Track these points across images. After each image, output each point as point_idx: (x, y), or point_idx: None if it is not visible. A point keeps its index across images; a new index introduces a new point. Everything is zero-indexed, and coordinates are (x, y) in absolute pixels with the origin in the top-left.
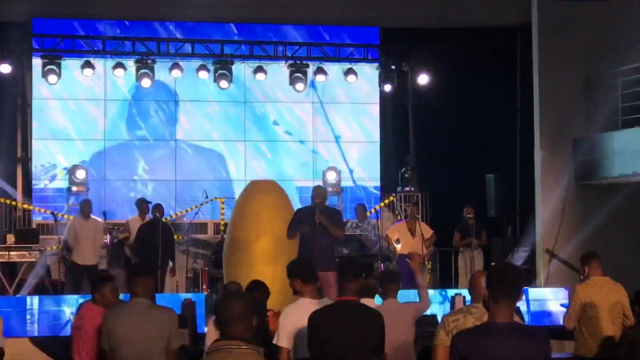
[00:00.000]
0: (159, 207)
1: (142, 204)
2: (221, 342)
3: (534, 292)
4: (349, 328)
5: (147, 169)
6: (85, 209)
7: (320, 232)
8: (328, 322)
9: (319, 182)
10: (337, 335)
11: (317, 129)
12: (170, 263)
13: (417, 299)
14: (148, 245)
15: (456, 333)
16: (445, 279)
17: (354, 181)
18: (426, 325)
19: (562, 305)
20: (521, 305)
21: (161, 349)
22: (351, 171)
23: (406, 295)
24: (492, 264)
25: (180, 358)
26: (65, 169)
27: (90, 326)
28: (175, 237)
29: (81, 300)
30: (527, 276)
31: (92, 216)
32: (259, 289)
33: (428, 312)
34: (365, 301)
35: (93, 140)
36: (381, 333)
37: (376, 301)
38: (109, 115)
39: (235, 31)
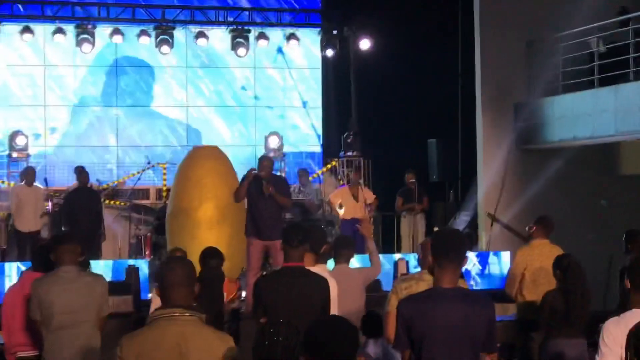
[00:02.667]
0: (82, 172)
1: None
2: (164, 310)
3: (475, 256)
4: (293, 294)
5: (89, 134)
6: (29, 176)
7: (268, 201)
8: (272, 288)
9: (261, 148)
10: (281, 301)
11: (260, 94)
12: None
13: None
14: (77, 212)
15: (401, 299)
16: (387, 243)
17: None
18: (369, 291)
19: None
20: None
21: (93, 315)
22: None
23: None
24: (435, 229)
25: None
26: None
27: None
28: (117, 202)
29: (23, 268)
30: (470, 240)
31: (35, 183)
32: (214, 255)
33: None
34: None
35: (34, 106)
36: (326, 299)
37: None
38: (51, 81)
39: None
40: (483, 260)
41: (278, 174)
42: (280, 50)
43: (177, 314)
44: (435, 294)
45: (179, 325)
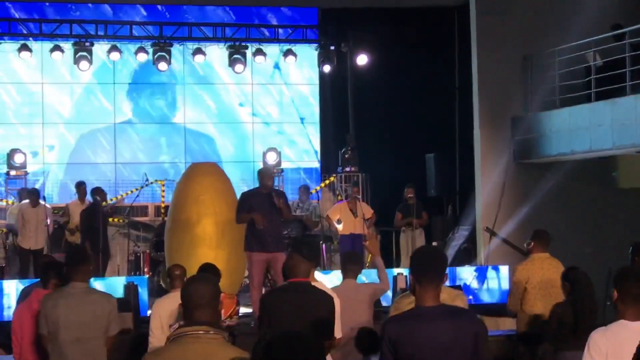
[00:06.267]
0: (100, 191)
1: (80, 188)
2: (188, 327)
3: (473, 271)
4: (300, 310)
5: (87, 152)
6: (32, 198)
7: (273, 214)
8: (279, 303)
9: (259, 164)
10: (288, 317)
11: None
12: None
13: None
14: (91, 230)
15: (386, 319)
16: (385, 258)
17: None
18: None
19: None
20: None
21: (100, 333)
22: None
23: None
24: (434, 243)
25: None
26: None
27: None
28: (115, 220)
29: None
30: (468, 255)
31: (40, 202)
32: (210, 272)
33: None
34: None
35: (32, 124)
36: (331, 314)
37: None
38: (49, 99)
39: (167, 15)
40: (481, 274)
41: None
42: (277, 66)
43: (201, 332)
44: (418, 313)
45: (202, 343)
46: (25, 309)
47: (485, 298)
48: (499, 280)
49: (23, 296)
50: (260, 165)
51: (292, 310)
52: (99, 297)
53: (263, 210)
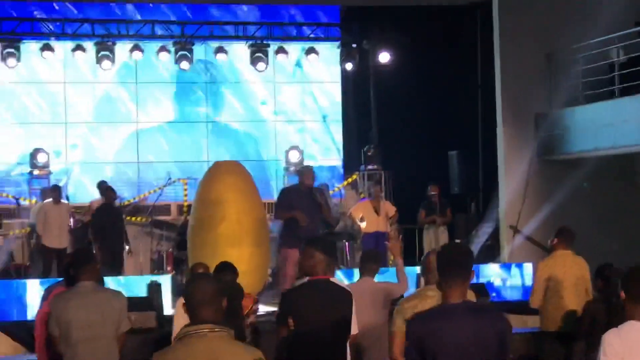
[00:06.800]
0: (110, 190)
1: (102, 187)
2: (192, 326)
3: (497, 268)
4: (321, 307)
5: (110, 151)
6: (55, 194)
7: (312, 211)
8: (303, 301)
9: (282, 163)
10: (312, 313)
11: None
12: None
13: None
14: (106, 229)
15: (410, 318)
16: (408, 256)
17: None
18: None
19: None
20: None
21: (111, 331)
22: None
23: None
24: (457, 241)
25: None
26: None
27: None
28: (138, 219)
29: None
30: (491, 252)
31: (62, 200)
32: (228, 270)
33: None
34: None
35: (55, 123)
36: (350, 311)
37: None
38: (70, 98)
39: (189, 14)
40: (505, 272)
41: None
42: (299, 64)
43: (206, 330)
44: (443, 310)
45: (208, 341)
46: (46, 308)
47: (509, 295)
48: (522, 277)
49: (47, 295)
50: (282, 164)
51: (314, 308)
52: (109, 295)
53: (303, 208)
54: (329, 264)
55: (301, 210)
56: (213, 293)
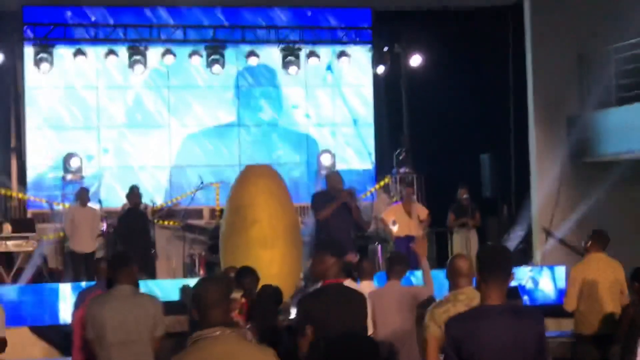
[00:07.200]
0: (135, 194)
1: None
2: (205, 330)
3: (529, 271)
4: (340, 310)
5: (142, 155)
6: (83, 196)
7: (344, 215)
8: (321, 306)
9: (313, 166)
10: (331, 318)
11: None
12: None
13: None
14: (131, 233)
15: (448, 320)
16: (441, 259)
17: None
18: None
19: None
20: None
21: (146, 335)
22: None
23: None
24: (489, 243)
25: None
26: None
27: None
28: (171, 223)
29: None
30: (524, 255)
31: (89, 204)
32: (248, 275)
33: None
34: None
35: (87, 128)
36: (365, 315)
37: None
38: (103, 103)
39: (222, 18)
40: (537, 275)
41: None
42: (330, 67)
43: (218, 333)
44: (482, 311)
45: (221, 343)
46: (82, 311)
47: (541, 298)
48: (555, 280)
49: (80, 299)
50: (314, 168)
51: (330, 313)
52: (144, 299)
53: (334, 211)
54: (340, 267)
55: (332, 214)
56: (221, 295)
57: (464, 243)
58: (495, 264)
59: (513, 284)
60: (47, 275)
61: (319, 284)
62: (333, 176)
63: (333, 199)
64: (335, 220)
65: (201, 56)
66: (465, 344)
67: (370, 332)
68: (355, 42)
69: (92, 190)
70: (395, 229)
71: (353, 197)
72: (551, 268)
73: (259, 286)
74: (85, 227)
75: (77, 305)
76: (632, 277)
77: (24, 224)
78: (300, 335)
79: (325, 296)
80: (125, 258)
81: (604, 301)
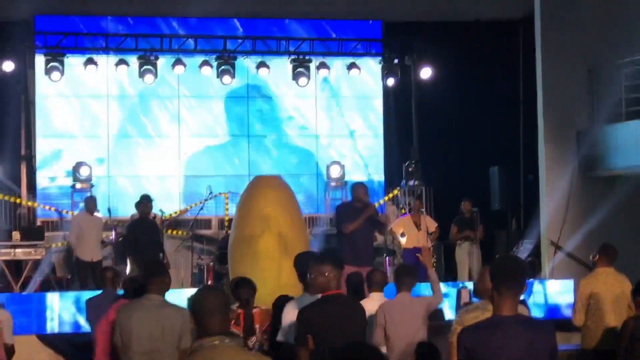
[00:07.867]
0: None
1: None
2: (205, 339)
3: (539, 285)
4: (338, 323)
5: (151, 165)
6: (90, 205)
7: (366, 227)
8: (321, 317)
9: (323, 177)
10: (331, 329)
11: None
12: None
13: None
14: (142, 242)
15: (462, 330)
16: (449, 272)
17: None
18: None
19: None
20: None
21: (171, 346)
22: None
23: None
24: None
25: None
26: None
27: None
28: (179, 232)
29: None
30: (532, 269)
31: (96, 212)
32: (245, 285)
33: None
34: (375, 295)
35: (97, 137)
36: (364, 326)
37: (385, 295)
38: (113, 112)
39: (239, 26)
40: (546, 288)
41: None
42: (341, 79)
43: (216, 342)
44: (495, 322)
45: (220, 352)
46: (107, 320)
47: (550, 312)
48: (563, 294)
49: (93, 307)
50: (324, 179)
51: (332, 324)
52: (173, 310)
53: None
54: (340, 277)
55: (357, 226)
56: (219, 303)
57: (467, 256)
58: (509, 275)
59: (522, 297)
60: (54, 284)
61: (319, 295)
62: (359, 188)
63: (358, 211)
64: (360, 232)
65: (211, 66)
66: (478, 354)
67: (382, 343)
68: (365, 54)
69: (100, 199)
70: (403, 240)
71: (376, 211)
72: (560, 281)
73: (256, 297)
74: (92, 236)
75: (86, 313)
76: (634, 292)
77: (33, 232)
78: (300, 345)
79: (325, 307)
80: (159, 268)
81: (609, 316)
